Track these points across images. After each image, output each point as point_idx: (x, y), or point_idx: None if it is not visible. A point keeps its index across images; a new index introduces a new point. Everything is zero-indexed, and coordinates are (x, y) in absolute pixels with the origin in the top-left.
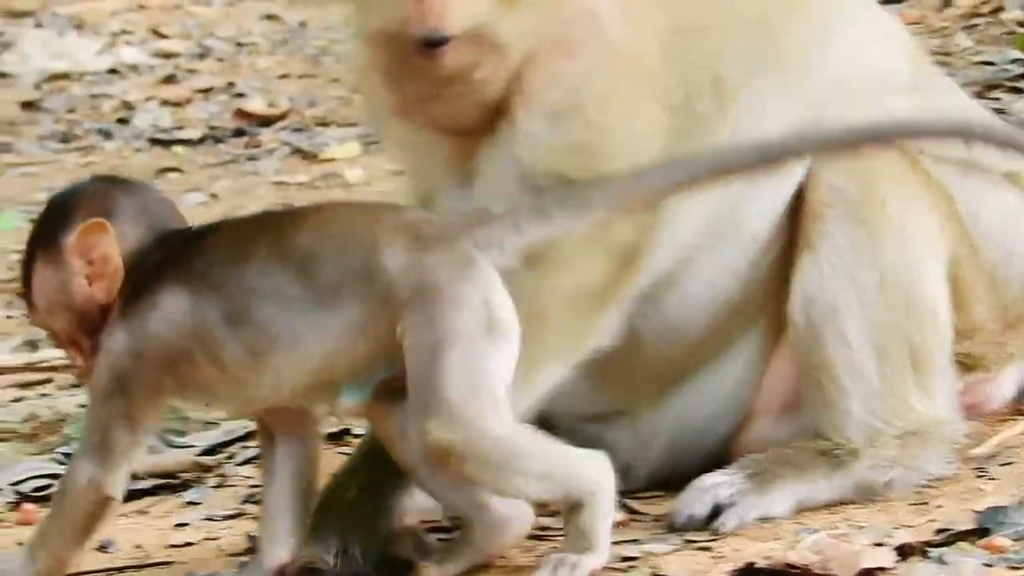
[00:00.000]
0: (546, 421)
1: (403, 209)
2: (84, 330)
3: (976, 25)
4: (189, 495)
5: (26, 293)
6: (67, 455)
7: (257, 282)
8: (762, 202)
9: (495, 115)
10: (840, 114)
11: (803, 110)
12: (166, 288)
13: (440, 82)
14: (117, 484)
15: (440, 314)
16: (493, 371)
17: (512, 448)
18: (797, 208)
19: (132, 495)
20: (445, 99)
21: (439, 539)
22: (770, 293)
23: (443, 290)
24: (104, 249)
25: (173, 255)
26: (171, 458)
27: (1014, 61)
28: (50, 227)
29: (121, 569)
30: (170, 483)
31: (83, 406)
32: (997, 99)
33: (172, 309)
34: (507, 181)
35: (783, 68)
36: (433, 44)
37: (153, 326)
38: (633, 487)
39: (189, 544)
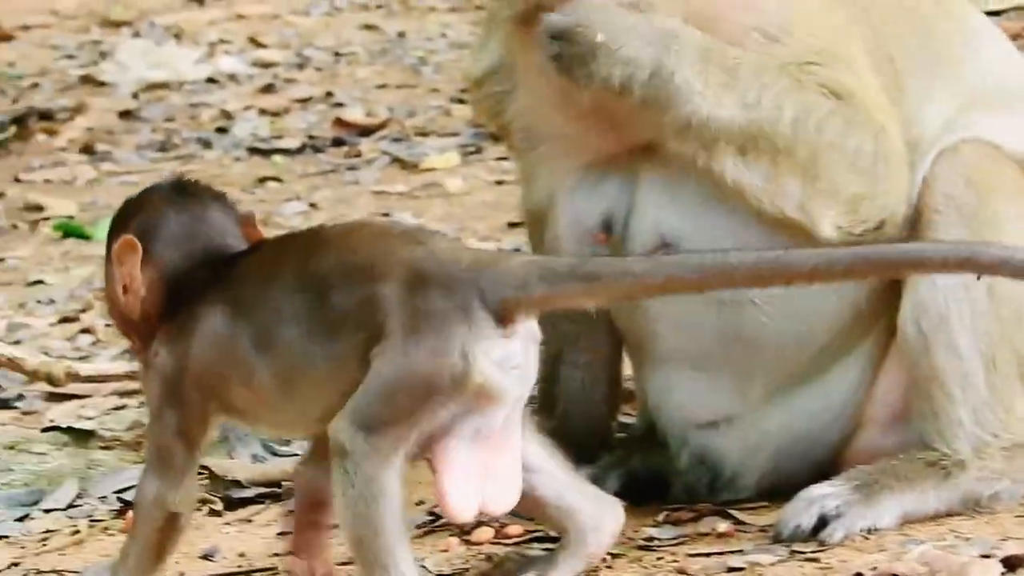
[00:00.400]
0: (656, 430)
1: (424, 239)
2: (132, 331)
3: None
4: (291, 504)
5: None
6: None
7: (282, 306)
8: None
9: None
10: (980, 121)
11: (953, 112)
12: (206, 310)
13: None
14: (181, 499)
15: (412, 353)
16: (416, 420)
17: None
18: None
19: (237, 503)
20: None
21: (544, 549)
22: (884, 302)
23: (425, 333)
24: (131, 268)
25: (216, 276)
26: (275, 467)
27: None
28: (114, 227)
29: None
30: (274, 492)
31: None
32: None
33: (210, 332)
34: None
35: (942, 65)
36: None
37: (193, 348)
38: (740, 497)
39: (291, 553)
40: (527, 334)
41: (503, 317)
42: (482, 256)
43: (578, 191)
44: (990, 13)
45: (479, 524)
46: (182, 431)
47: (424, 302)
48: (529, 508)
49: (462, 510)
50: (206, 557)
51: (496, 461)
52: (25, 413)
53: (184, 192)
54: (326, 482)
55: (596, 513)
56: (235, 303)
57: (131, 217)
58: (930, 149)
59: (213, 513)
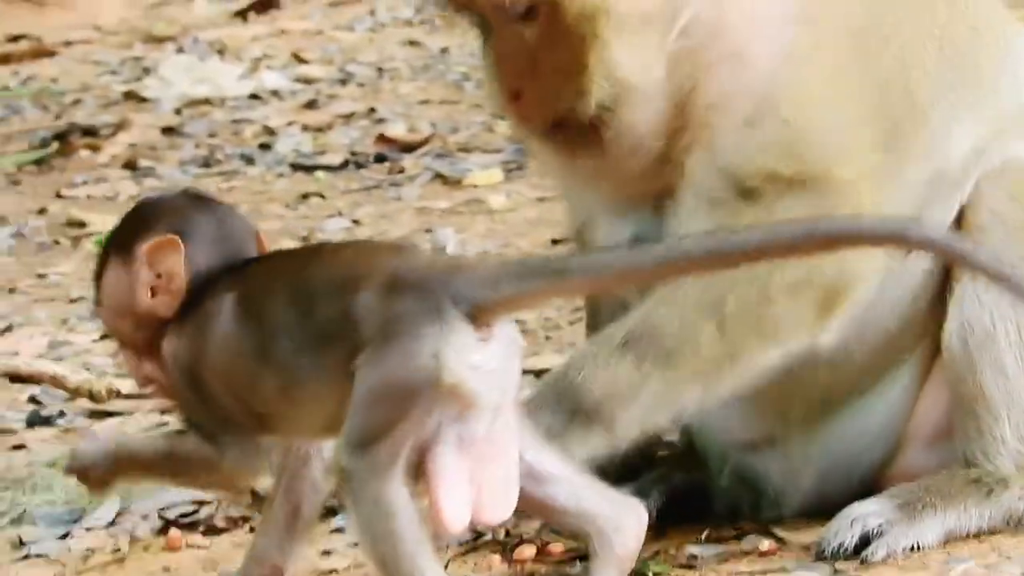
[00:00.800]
0: (698, 453)
1: (402, 253)
2: (141, 335)
3: None
4: (336, 522)
5: (96, 288)
6: None
7: (277, 319)
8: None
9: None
10: (1008, 147)
11: (989, 134)
12: (218, 315)
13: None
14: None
15: (387, 359)
16: (404, 429)
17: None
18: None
19: None
20: (598, 154)
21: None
22: (925, 324)
23: (398, 337)
24: (172, 266)
25: (232, 282)
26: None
27: None
28: (129, 231)
29: None
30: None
31: None
32: None
33: (223, 336)
34: (721, 190)
35: (976, 86)
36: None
37: (210, 349)
38: (783, 515)
39: (335, 571)
40: (505, 338)
41: (477, 319)
42: (456, 261)
43: (613, 215)
44: None
45: (521, 542)
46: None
47: (396, 307)
48: (549, 516)
49: (452, 520)
50: None
51: (485, 470)
52: (66, 430)
53: (205, 202)
54: (302, 489)
55: (616, 514)
56: (244, 310)
57: (157, 220)
58: (961, 176)
59: (253, 531)
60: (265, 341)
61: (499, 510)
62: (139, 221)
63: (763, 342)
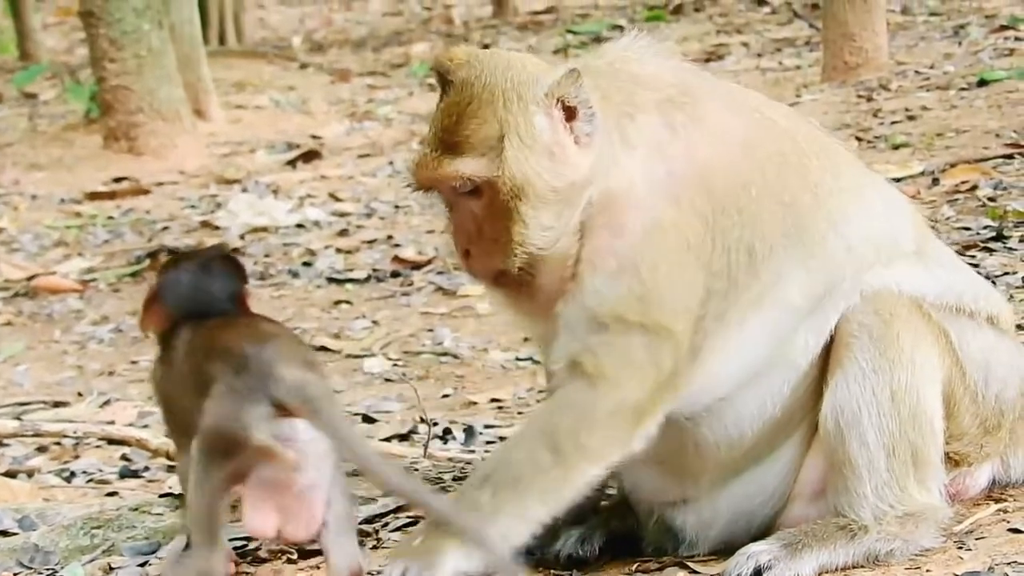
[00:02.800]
0: (631, 505)
1: (270, 341)
2: None
3: (957, 199)
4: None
5: None
6: None
7: (193, 363)
8: (803, 340)
9: (568, 284)
10: (863, 279)
11: (821, 276)
12: (175, 351)
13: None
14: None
15: (212, 414)
16: (229, 464)
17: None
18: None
19: (308, 554)
20: (527, 296)
21: None
22: (806, 408)
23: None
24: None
25: (192, 330)
26: None
27: (986, 227)
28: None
29: None
30: None
31: None
32: (973, 256)
33: (174, 367)
34: (582, 325)
35: (806, 244)
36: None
37: (167, 374)
38: (696, 553)
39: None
40: (301, 422)
41: (277, 406)
42: (294, 358)
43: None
44: (892, 180)
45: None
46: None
47: (232, 381)
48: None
49: (254, 530)
50: None
51: (291, 504)
52: (149, 481)
53: (196, 265)
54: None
55: (336, 560)
56: (185, 352)
57: (158, 281)
58: (814, 307)
59: (289, 561)
60: (190, 377)
61: (299, 533)
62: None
63: (591, 463)
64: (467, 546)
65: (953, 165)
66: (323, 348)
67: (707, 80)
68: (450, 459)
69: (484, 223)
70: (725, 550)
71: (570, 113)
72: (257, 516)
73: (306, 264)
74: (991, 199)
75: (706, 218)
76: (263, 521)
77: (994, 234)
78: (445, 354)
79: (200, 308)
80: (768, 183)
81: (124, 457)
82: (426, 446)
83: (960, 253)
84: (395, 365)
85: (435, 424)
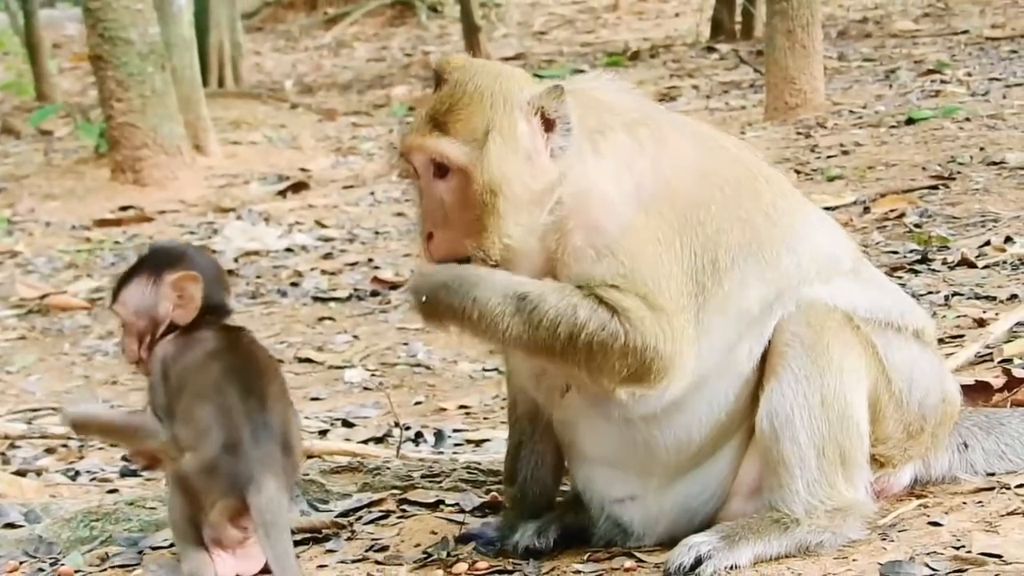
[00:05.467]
0: (584, 502)
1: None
2: (149, 331)
3: (886, 226)
4: (329, 545)
5: (117, 291)
6: None
7: (210, 382)
8: (748, 347)
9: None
10: (801, 292)
11: (774, 287)
12: (198, 344)
13: None
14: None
15: (264, 537)
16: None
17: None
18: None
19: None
20: None
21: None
22: (745, 412)
23: (271, 529)
24: (193, 292)
25: (214, 328)
26: (316, 518)
27: (912, 251)
28: (159, 261)
29: None
30: (315, 536)
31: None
32: (900, 278)
33: (189, 358)
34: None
35: (762, 257)
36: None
37: (181, 361)
38: (643, 545)
39: None
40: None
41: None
42: (278, 465)
43: None
44: (827, 208)
45: (457, 560)
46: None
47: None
48: None
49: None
50: None
51: (247, 553)
52: (147, 479)
53: (211, 258)
54: None
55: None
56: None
57: (181, 260)
58: (762, 315)
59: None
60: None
61: (250, 571)
62: (167, 255)
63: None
64: None
65: (883, 195)
66: (308, 360)
67: (663, 110)
68: (421, 459)
69: (452, 210)
70: (670, 542)
71: (548, 125)
72: (223, 567)
73: (294, 284)
74: (917, 226)
75: (672, 225)
76: (228, 566)
77: (919, 257)
78: (418, 365)
79: (220, 299)
80: (726, 201)
81: (124, 458)
82: (399, 447)
83: (888, 274)
84: (373, 375)
85: (408, 428)
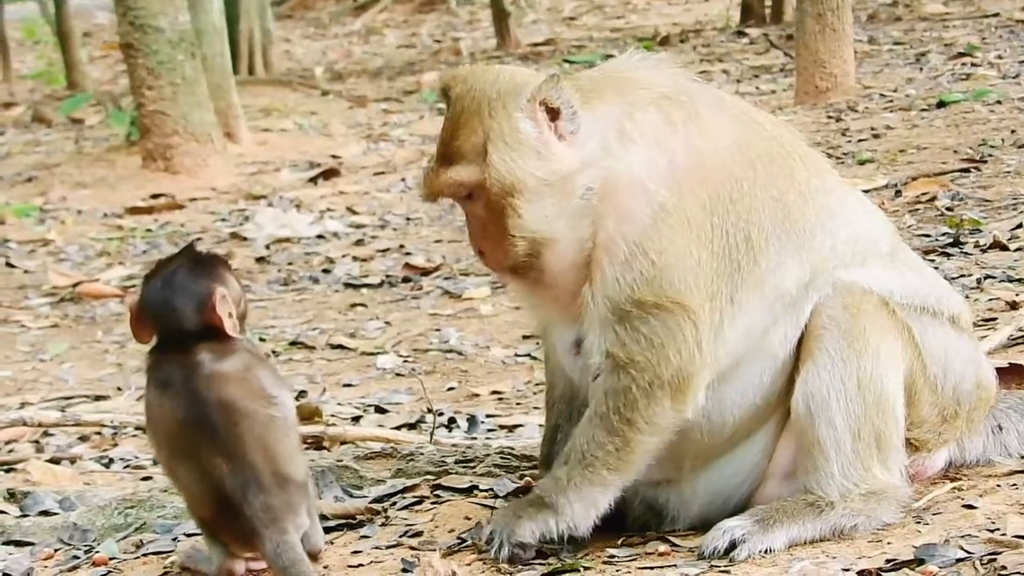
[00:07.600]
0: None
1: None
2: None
3: (918, 209)
4: (363, 531)
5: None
6: None
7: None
8: (783, 331)
9: (588, 270)
10: (837, 275)
11: (809, 268)
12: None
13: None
14: None
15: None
16: None
17: None
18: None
19: (323, 531)
20: (545, 284)
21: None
22: (780, 395)
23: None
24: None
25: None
26: (351, 504)
27: (944, 234)
28: (208, 272)
29: None
30: (349, 523)
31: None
32: (932, 261)
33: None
34: (608, 314)
35: (797, 237)
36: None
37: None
38: (677, 529)
39: (361, 565)
40: None
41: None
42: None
43: (560, 325)
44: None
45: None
46: None
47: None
48: None
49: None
50: None
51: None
52: None
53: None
54: None
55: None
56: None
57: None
58: (798, 298)
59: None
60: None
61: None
62: (215, 267)
63: (643, 434)
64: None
65: (914, 179)
66: (340, 346)
67: (699, 83)
68: (454, 445)
69: (487, 223)
70: (703, 526)
71: (554, 113)
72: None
73: (325, 271)
74: (949, 209)
75: (704, 204)
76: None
77: (951, 240)
78: (451, 351)
79: (171, 325)
80: (759, 178)
81: None
82: (432, 433)
83: (921, 258)
84: (405, 361)
85: (441, 414)
